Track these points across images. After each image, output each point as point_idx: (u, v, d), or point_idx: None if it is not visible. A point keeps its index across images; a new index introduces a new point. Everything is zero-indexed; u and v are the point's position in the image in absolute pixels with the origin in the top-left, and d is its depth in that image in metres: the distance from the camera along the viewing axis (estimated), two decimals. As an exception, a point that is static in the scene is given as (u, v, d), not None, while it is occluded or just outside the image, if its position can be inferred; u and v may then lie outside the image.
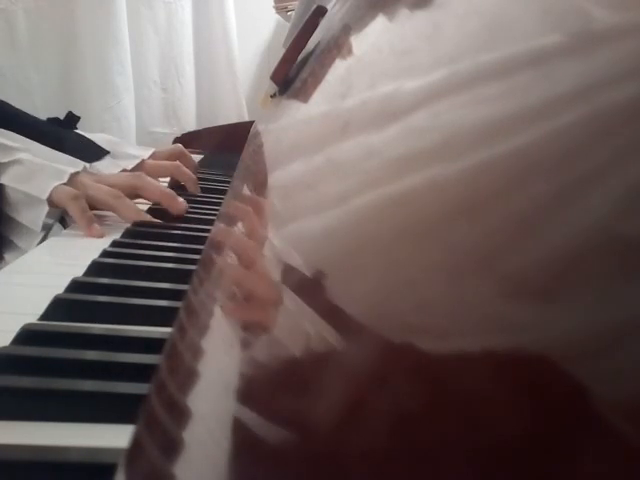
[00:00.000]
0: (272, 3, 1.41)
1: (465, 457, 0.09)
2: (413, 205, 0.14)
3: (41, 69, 1.11)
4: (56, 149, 0.67)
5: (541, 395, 0.09)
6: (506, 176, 0.12)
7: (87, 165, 0.64)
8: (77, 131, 0.82)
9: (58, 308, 0.37)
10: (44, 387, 0.28)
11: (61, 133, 0.75)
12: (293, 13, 0.97)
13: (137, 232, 0.58)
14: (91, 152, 0.73)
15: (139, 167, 0.72)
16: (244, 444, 0.14)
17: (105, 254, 0.49)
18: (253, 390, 0.15)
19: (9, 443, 0.24)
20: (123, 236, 0.56)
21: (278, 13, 1.42)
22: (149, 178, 0.65)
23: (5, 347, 0.31)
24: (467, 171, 0.13)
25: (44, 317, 0.36)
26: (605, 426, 0.08)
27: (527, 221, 0.11)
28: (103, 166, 0.72)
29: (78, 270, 0.45)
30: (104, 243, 0.53)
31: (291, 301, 0.17)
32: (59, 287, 0.40)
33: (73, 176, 0.61)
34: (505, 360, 0.09)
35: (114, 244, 0.53)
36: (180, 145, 0.84)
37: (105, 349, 0.31)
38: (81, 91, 1.15)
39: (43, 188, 0.59)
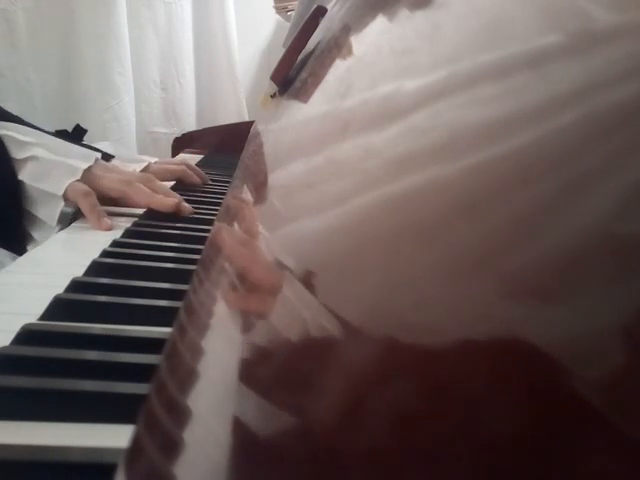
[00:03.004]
0: (272, 3, 1.41)
1: (465, 456, 0.09)
2: (413, 205, 0.14)
3: (41, 69, 1.11)
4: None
5: (541, 394, 0.09)
6: (506, 176, 0.12)
7: (98, 157, 0.65)
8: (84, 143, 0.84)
9: (58, 308, 0.37)
10: (44, 387, 0.28)
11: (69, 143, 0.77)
12: (293, 13, 0.97)
13: (137, 232, 0.58)
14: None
15: (146, 170, 0.75)
16: (244, 444, 0.14)
17: (105, 254, 0.49)
18: (253, 390, 0.15)
19: (9, 443, 0.24)
20: (123, 236, 0.56)
21: (278, 13, 1.42)
22: (158, 182, 0.66)
23: (5, 347, 0.31)
24: (467, 171, 0.13)
25: (44, 317, 0.36)
26: (605, 425, 0.08)
27: (527, 221, 0.11)
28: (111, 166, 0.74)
29: (78, 270, 0.45)
30: (104, 243, 0.53)
31: (290, 300, 0.17)
32: (59, 287, 0.40)
33: (86, 171, 0.63)
34: (505, 359, 0.09)
35: (114, 244, 0.53)
36: (185, 161, 0.86)
37: (105, 349, 0.31)
38: (81, 91, 1.15)
39: (58, 185, 0.61)
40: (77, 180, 0.62)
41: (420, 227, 0.14)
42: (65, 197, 0.61)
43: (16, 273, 0.46)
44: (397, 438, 0.10)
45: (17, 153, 0.62)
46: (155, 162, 0.80)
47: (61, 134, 0.87)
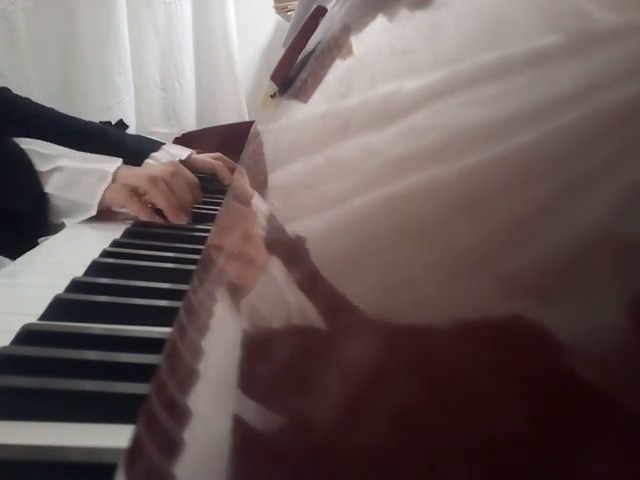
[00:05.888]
0: (272, 3, 1.41)
1: (464, 454, 0.09)
2: (413, 205, 0.14)
3: (41, 69, 1.11)
4: (118, 144, 0.72)
5: (540, 393, 0.09)
6: (506, 176, 0.12)
7: (121, 162, 0.67)
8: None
9: (58, 308, 0.37)
10: (44, 387, 0.28)
11: (121, 132, 0.80)
12: (293, 13, 0.97)
13: (137, 232, 0.58)
14: (150, 143, 0.82)
15: (188, 159, 0.81)
16: (244, 444, 0.14)
17: (105, 254, 0.49)
18: (253, 390, 0.15)
19: (9, 443, 0.24)
20: (123, 236, 0.56)
21: (278, 13, 1.42)
22: (179, 182, 0.67)
23: (5, 347, 0.31)
24: (467, 171, 0.13)
25: (44, 317, 0.36)
26: (606, 424, 0.08)
27: (527, 221, 0.11)
28: (160, 155, 0.79)
29: (78, 270, 0.45)
30: (104, 243, 0.53)
31: (290, 299, 0.17)
32: (59, 287, 0.40)
33: (114, 173, 0.64)
34: (504, 358, 0.09)
35: (114, 244, 0.53)
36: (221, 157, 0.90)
37: (105, 349, 0.31)
38: (81, 91, 1.15)
39: (91, 193, 0.62)
40: (111, 184, 0.62)
41: (420, 227, 0.14)
42: (104, 204, 0.62)
43: (16, 273, 0.46)
44: (396, 437, 0.10)
45: (41, 166, 0.62)
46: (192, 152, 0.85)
47: (106, 125, 0.91)
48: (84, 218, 0.62)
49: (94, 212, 0.61)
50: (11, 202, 0.60)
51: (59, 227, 0.63)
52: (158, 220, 0.62)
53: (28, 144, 0.64)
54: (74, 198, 0.62)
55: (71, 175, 0.63)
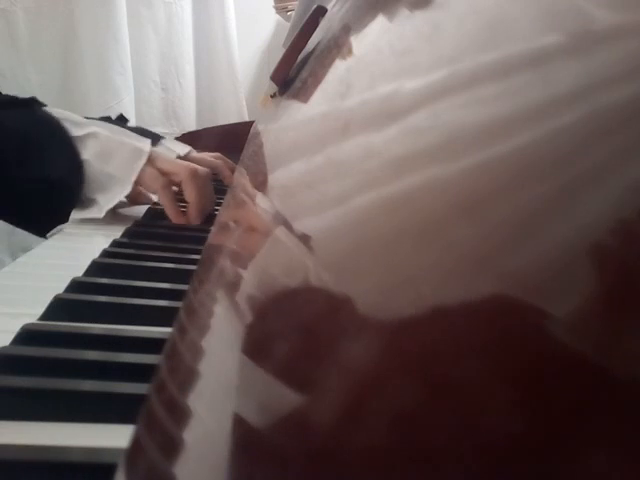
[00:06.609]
0: (272, 3, 1.41)
1: (465, 454, 0.09)
2: (413, 205, 0.14)
3: (41, 69, 1.11)
4: None
5: (542, 393, 0.09)
6: (506, 176, 0.12)
7: (150, 141, 0.65)
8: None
9: (58, 308, 0.37)
10: (44, 387, 0.28)
11: (121, 125, 0.78)
12: (293, 13, 0.97)
13: (137, 232, 0.58)
14: (149, 136, 0.79)
15: (187, 156, 0.78)
16: (244, 444, 0.14)
17: (105, 254, 0.49)
18: (252, 389, 0.15)
19: (9, 443, 0.24)
20: (123, 236, 0.56)
21: (278, 13, 1.42)
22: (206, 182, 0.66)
23: (5, 347, 0.31)
24: (467, 171, 0.13)
25: (44, 317, 0.36)
26: (607, 426, 0.08)
27: (527, 221, 0.11)
28: (159, 150, 0.77)
29: (78, 270, 0.45)
30: (104, 243, 0.53)
31: (291, 298, 0.17)
32: (59, 287, 0.40)
33: (150, 153, 0.62)
34: (505, 358, 0.09)
35: (114, 244, 0.53)
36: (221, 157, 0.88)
37: (105, 349, 0.31)
38: (81, 91, 1.15)
39: (128, 168, 0.60)
40: (146, 164, 0.61)
41: (420, 227, 0.14)
42: (139, 182, 0.60)
43: (16, 273, 0.46)
44: (397, 436, 0.10)
45: (75, 131, 0.60)
46: (190, 149, 0.84)
47: (106, 119, 0.90)
48: (119, 196, 0.60)
49: (129, 189, 0.60)
50: (45, 169, 0.57)
51: (92, 203, 0.61)
52: (181, 221, 0.60)
53: (60, 113, 0.62)
54: (110, 171, 0.59)
55: (106, 143, 0.60)
